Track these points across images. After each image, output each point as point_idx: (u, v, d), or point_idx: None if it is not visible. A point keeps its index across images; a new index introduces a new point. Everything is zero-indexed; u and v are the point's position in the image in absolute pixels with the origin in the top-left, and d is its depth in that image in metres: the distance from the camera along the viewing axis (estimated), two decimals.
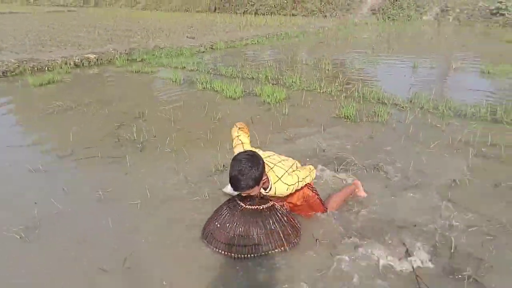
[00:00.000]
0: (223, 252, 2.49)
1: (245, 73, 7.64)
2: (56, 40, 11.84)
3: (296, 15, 23.68)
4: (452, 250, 2.48)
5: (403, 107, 5.43)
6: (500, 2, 17.22)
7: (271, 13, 24.81)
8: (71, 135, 4.43)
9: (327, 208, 2.86)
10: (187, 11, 29.01)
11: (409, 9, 20.97)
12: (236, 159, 2.32)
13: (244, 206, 2.60)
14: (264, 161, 2.39)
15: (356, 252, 2.49)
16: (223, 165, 3.70)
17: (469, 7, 18.87)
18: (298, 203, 2.73)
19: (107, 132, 4.68)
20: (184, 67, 8.52)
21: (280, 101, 5.80)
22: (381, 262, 2.40)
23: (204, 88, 6.73)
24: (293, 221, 2.68)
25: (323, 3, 23.72)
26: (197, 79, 7.18)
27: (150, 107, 5.64)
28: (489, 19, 17.43)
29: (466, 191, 3.22)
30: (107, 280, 2.31)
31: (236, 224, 2.54)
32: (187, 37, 12.53)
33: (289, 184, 2.47)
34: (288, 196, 2.64)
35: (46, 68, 8.33)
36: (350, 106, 5.20)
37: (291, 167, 2.57)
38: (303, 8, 24.23)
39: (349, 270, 2.34)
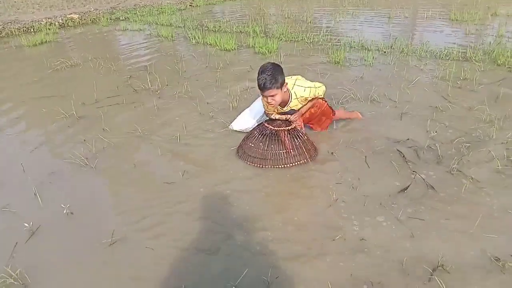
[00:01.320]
0: (259, 165, 3.07)
1: (233, 28, 7.98)
2: (31, 2, 11.55)
3: None
4: (439, 154, 3.16)
5: (385, 52, 6.04)
6: None
7: None
8: (93, 86, 4.78)
9: (335, 113, 3.49)
10: None
11: None
12: (262, 66, 2.82)
13: (272, 127, 3.16)
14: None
15: (363, 160, 3.13)
16: (237, 105, 4.21)
17: None
18: (313, 111, 3.30)
19: (121, 83, 5.05)
20: (171, 24, 8.73)
21: (273, 51, 6.26)
22: (383, 166, 3.05)
23: (198, 42, 7.06)
24: (311, 140, 3.28)
25: None
26: (188, 34, 7.48)
27: (152, 61, 5.98)
28: None
29: (447, 114, 3.89)
30: (173, 188, 2.84)
31: (268, 142, 3.12)
32: None
33: (304, 86, 3.01)
34: (308, 107, 3.21)
35: (32, 29, 8.33)
36: (339, 53, 5.74)
37: (297, 77, 3.10)
38: None
39: (360, 173, 2.98)
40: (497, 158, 3.00)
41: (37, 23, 8.57)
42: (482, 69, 5.11)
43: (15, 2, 11.84)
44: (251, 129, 3.38)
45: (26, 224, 2.48)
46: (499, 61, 5.31)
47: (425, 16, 8.83)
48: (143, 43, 7.33)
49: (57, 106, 4.29)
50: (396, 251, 2.19)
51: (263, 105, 3.28)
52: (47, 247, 2.33)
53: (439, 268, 2.05)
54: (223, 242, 2.32)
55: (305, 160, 3.12)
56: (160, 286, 2.03)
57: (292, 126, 3.19)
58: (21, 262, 2.20)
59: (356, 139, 3.46)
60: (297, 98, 3.06)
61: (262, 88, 2.80)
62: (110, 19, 9.46)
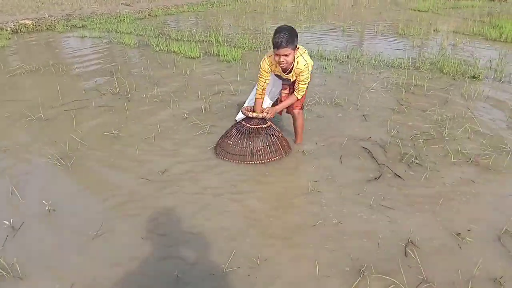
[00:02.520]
0: (238, 162, 3.20)
1: (195, 37, 8.09)
2: None
3: None
4: (401, 149, 3.46)
5: (342, 61, 6.43)
6: None
7: None
8: (57, 90, 4.69)
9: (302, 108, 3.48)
10: None
11: None
12: (279, 27, 2.89)
13: (249, 126, 3.31)
14: None
15: (334, 157, 3.36)
16: (209, 107, 4.33)
17: None
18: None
19: (86, 87, 5.00)
20: (131, 32, 8.68)
21: (237, 59, 6.45)
22: (353, 161, 3.30)
23: (161, 50, 7.11)
24: (285, 137, 3.46)
25: None
26: (151, 42, 7.50)
27: (117, 66, 5.94)
28: None
29: (404, 115, 4.25)
30: (152, 185, 2.89)
31: (246, 140, 3.26)
32: (121, 3, 12.35)
33: (307, 61, 3.02)
34: (285, 105, 3.34)
35: None
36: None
37: (305, 50, 3.10)
38: None
39: (332, 168, 3.20)
40: (451, 152, 3.35)
41: None
42: (430, 77, 5.61)
43: None
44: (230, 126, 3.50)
45: (6, 222, 2.42)
46: (444, 70, 5.86)
47: (376, 30, 9.46)
48: (105, 49, 7.24)
49: (21, 109, 4.17)
50: (371, 232, 2.40)
51: (270, 65, 3.12)
52: (34, 241, 2.30)
53: (409, 243, 2.29)
54: (211, 228, 2.42)
55: (280, 156, 3.30)
56: (151, 274, 2.09)
57: (268, 124, 3.36)
58: (10, 256, 2.16)
59: (325, 138, 3.69)
60: (294, 69, 3.05)
61: (279, 45, 2.82)
62: (67, 26, 9.21)
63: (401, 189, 2.87)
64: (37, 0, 12.71)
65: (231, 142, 3.30)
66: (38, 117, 3.99)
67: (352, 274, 2.08)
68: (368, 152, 3.43)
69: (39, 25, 8.97)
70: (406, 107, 4.46)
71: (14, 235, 2.35)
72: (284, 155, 3.32)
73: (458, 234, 2.37)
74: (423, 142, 3.58)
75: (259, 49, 7.19)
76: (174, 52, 6.93)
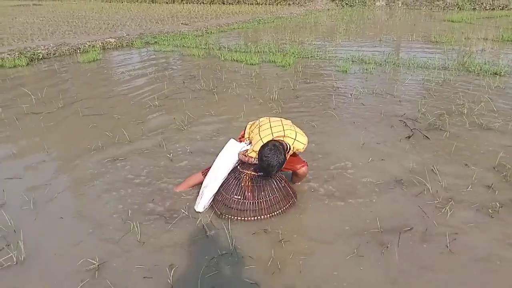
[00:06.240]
0: (253, 218, 2.80)
1: (251, 49, 9.52)
2: (61, 30, 13.01)
3: (261, 4, 25.64)
4: (429, 120, 4.60)
5: (381, 64, 7.61)
6: None
7: (238, 2, 26.54)
8: (160, 87, 6.21)
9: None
10: (153, 2, 30.07)
11: None
12: (266, 157, 2.60)
13: (255, 174, 2.89)
14: (276, 130, 2.85)
15: (377, 125, 4.55)
16: (277, 97, 5.63)
17: None
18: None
19: (179, 85, 6.46)
20: (197, 46, 10.24)
21: (291, 64, 7.77)
22: (392, 128, 4.48)
23: (225, 59, 8.55)
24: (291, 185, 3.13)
25: None
26: (216, 53, 8.99)
27: (196, 71, 7.42)
28: (431, 3, 20.36)
29: (431, 99, 5.39)
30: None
31: (256, 191, 2.87)
32: (181, 23, 14.11)
33: (304, 143, 2.88)
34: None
35: (78, 50, 9.74)
36: (345, 64, 7.29)
37: (295, 130, 2.91)
38: None
39: (377, 130, 4.40)
40: (468, 122, 4.47)
41: (82, 45, 9.99)
42: (458, 74, 6.69)
43: (46, 29, 13.27)
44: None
45: (168, 155, 3.81)
46: (470, 69, 6.91)
47: (410, 39, 10.57)
48: (181, 59, 8.79)
49: (141, 99, 5.67)
50: (406, 162, 3.60)
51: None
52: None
53: (433, 168, 3.46)
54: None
55: (292, 200, 2.99)
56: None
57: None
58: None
59: (369, 115, 4.89)
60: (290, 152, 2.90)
61: (270, 174, 2.77)
62: (141, 42, 10.94)
63: (427, 142, 4.04)
64: (108, 23, 14.72)
65: (239, 197, 2.84)
66: (154, 104, 5.45)
67: (395, 182, 3.28)
68: (403, 123, 4.60)
69: (120, 43, 10.73)
70: (434, 94, 5.59)
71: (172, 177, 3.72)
72: (295, 199, 3.03)
73: (466, 165, 3.52)
74: (446, 116, 4.71)
75: (308, 57, 8.49)
76: (237, 60, 8.35)
